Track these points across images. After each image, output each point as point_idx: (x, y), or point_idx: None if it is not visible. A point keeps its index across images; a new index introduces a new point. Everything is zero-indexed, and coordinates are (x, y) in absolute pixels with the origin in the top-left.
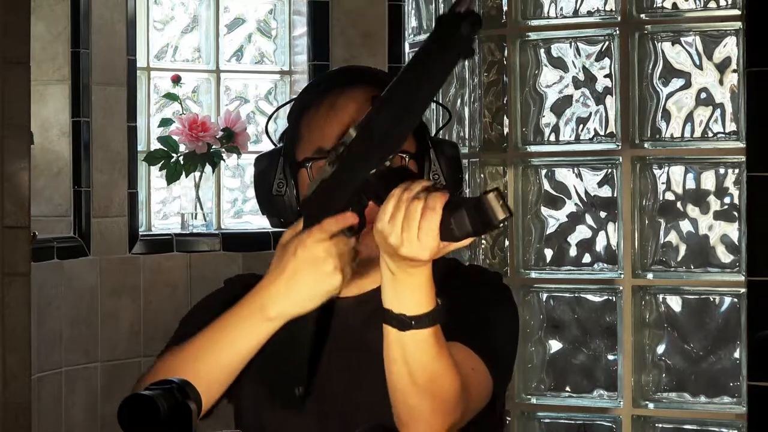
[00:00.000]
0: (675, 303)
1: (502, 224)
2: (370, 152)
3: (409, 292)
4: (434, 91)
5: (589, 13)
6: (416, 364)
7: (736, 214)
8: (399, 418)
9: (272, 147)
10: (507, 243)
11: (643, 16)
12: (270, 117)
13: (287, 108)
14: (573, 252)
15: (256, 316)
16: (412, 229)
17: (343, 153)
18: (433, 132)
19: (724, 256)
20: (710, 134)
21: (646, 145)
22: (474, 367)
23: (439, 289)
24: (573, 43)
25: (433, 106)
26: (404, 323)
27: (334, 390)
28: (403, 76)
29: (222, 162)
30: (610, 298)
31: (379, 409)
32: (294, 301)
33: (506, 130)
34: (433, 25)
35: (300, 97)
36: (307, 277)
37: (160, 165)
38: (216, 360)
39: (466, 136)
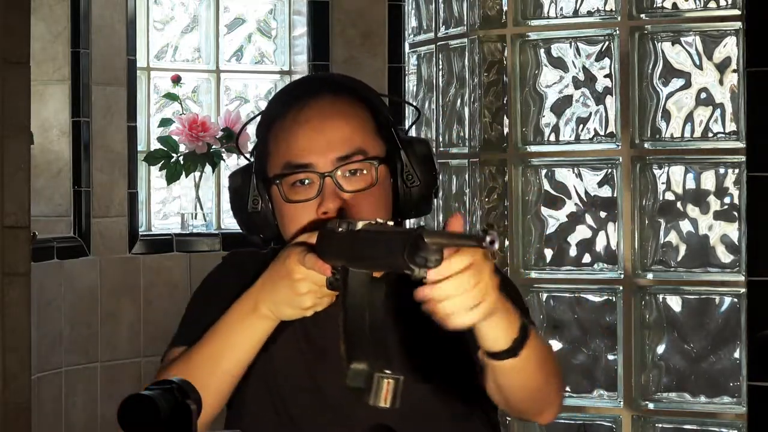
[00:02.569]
0: (675, 303)
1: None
2: None
3: (503, 324)
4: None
5: (589, 13)
6: (537, 360)
7: (736, 214)
8: (534, 410)
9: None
10: (507, 243)
11: (643, 16)
12: (240, 130)
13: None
14: (573, 252)
15: (251, 316)
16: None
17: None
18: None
19: (724, 256)
20: (710, 134)
21: (646, 145)
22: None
23: None
24: (573, 43)
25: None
26: (514, 349)
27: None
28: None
29: (222, 162)
30: (610, 298)
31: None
32: (277, 304)
33: (506, 130)
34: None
35: (266, 110)
36: (284, 288)
37: (160, 165)
38: (221, 367)
39: (466, 136)
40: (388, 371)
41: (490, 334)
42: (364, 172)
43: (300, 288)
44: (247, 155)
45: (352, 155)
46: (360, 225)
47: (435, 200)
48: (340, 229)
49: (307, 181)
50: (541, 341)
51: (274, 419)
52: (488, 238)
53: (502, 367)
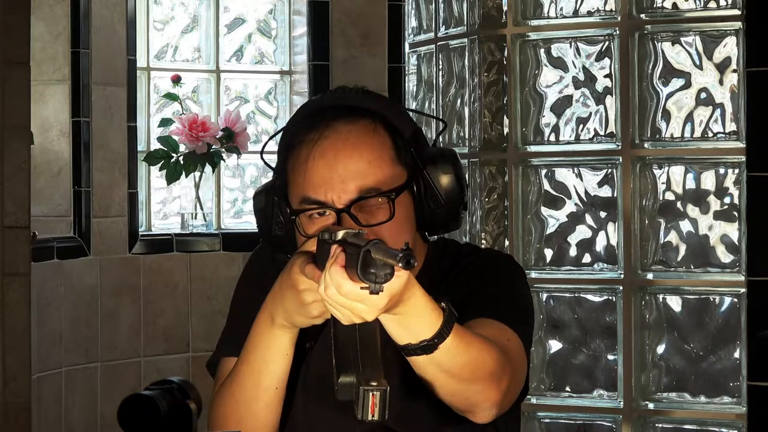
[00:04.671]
0: (675, 303)
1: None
2: None
3: (414, 320)
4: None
5: (589, 13)
6: (454, 367)
7: (736, 214)
8: (461, 409)
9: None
10: (507, 243)
11: (643, 16)
12: (264, 145)
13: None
14: (573, 252)
15: (271, 329)
16: (355, 309)
17: None
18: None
19: (724, 256)
20: (710, 134)
21: (646, 145)
22: (509, 337)
23: (457, 272)
24: (573, 43)
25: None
26: (428, 347)
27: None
28: None
29: (222, 162)
30: (610, 298)
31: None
32: (288, 314)
33: (506, 130)
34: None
35: (286, 128)
36: (291, 298)
37: (160, 165)
38: (262, 384)
39: (466, 136)
40: (374, 383)
41: (390, 331)
42: (382, 205)
43: (305, 298)
44: (267, 159)
45: (368, 190)
46: (340, 235)
47: (465, 213)
48: (326, 238)
49: (326, 213)
50: (468, 345)
51: (298, 412)
52: (400, 263)
53: (412, 361)
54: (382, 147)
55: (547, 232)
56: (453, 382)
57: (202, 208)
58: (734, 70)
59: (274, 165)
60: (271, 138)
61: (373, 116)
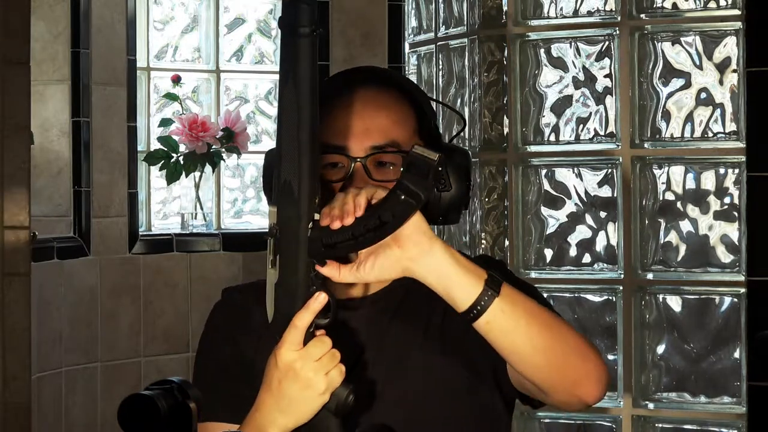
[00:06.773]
0: (675, 303)
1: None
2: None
3: (463, 275)
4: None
5: (589, 13)
6: (527, 317)
7: (736, 214)
8: (570, 380)
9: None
10: (507, 243)
11: (643, 16)
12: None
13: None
14: (573, 252)
15: None
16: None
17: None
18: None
19: (724, 256)
20: (710, 134)
21: (646, 145)
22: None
23: None
24: (573, 43)
25: (446, 111)
26: (488, 297)
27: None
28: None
29: (222, 162)
30: (610, 298)
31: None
32: (288, 416)
33: (506, 130)
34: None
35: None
36: (296, 394)
37: (160, 165)
38: None
39: (466, 136)
40: None
41: (450, 288)
42: (396, 166)
43: (318, 387)
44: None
45: (386, 146)
46: None
47: (464, 212)
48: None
49: (339, 165)
50: (537, 306)
51: None
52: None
53: (483, 327)
54: (407, 116)
55: (547, 232)
56: (538, 338)
57: (202, 208)
58: (734, 70)
59: None
60: None
61: (402, 90)
